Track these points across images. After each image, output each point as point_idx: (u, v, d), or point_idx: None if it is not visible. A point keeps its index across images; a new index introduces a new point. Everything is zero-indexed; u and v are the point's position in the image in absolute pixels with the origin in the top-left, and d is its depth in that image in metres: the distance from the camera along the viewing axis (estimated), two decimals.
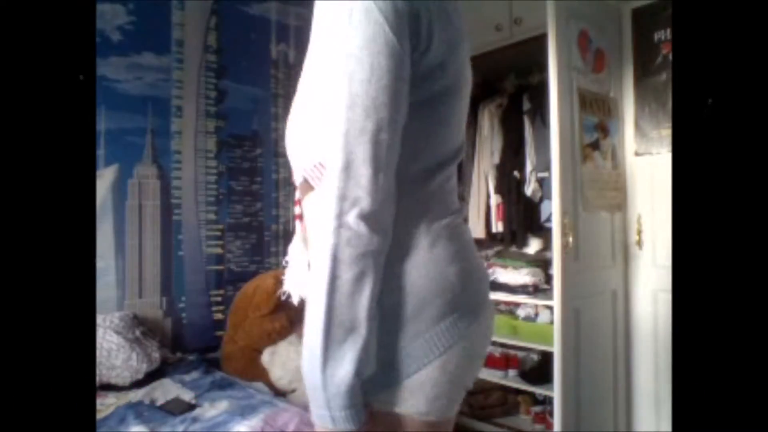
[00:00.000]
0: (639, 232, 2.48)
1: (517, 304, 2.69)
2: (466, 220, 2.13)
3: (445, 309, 0.75)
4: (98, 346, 2.22)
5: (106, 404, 2.02)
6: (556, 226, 2.13)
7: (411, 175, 0.77)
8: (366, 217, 0.68)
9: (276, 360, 2.53)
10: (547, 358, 2.47)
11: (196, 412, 1.92)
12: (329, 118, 0.69)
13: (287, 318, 2.58)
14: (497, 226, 2.79)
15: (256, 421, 1.80)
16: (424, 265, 0.75)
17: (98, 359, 2.18)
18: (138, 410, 1.92)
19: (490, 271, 2.71)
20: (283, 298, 0.94)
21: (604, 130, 2.41)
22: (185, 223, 2.88)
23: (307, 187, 0.79)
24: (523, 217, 2.73)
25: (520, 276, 2.62)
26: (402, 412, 0.75)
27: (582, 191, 2.26)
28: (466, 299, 0.77)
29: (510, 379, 2.68)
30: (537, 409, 2.68)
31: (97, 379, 2.16)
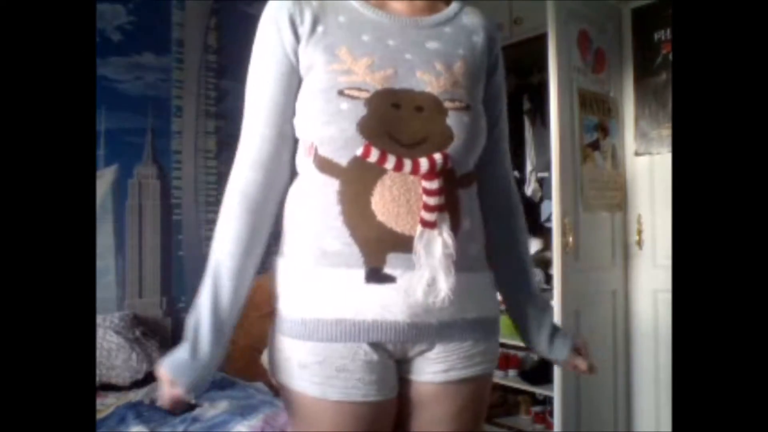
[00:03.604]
0: (639, 232, 2.48)
1: None
2: None
3: None
4: (98, 346, 2.22)
5: (106, 404, 2.01)
6: (556, 226, 2.13)
7: None
8: None
9: None
10: None
11: (196, 412, 1.92)
12: None
13: None
14: None
15: (256, 421, 1.80)
16: None
17: (98, 359, 2.18)
18: (138, 410, 1.92)
19: None
20: None
21: (604, 130, 2.41)
22: (185, 223, 2.88)
23: None
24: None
25: None
26: None
27: (582, 191, 2.26)
28: None
29: (510, 379, 2.67)
30: (537, 409, 2.68)
31: (97, 379, 2.16)
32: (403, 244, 0.81)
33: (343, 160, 0.82)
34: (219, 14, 3.00)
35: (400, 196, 0.81)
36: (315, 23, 0.86)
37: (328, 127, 0.81)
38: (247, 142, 0.89)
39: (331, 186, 0.83)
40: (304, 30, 0.86)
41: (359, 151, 0.81)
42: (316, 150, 0.85)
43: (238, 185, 0.88)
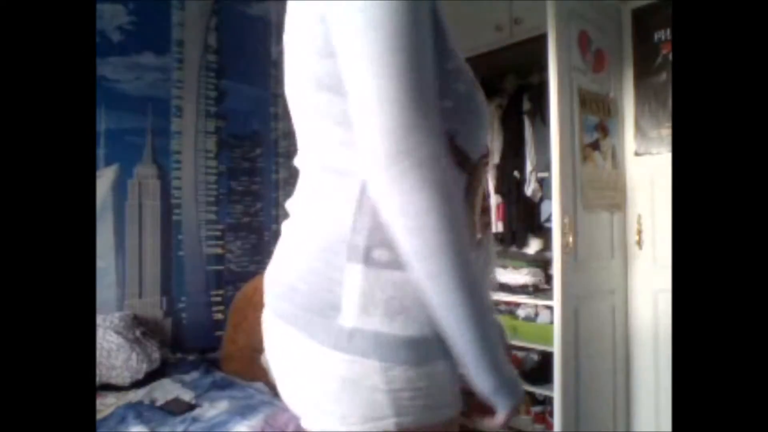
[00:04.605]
0: (639, 232, 2.48)
1: (517, 304, 2.69)
2: None
3: None
4: (98, 346, 2.22)
5: (106, 404, 2.01)
6: (556, 226, 2.13)
7: None
8: None
9: None
10: (547, 358, 2.47)
11: (196, 412, 1.92)
12: None
13: None
14: (497, 226, 2.79)
15: (256, 421, 1.80)
16: None
17: (98, 359, 2.18)
18: (138, 410, 1.92)
19: None
20: None
21: (604, 130, 2.41)
22: (185, 223, 2.88)
23: None
24: (523, 217, 2.73)
25: (520, 276, 2.62)
26: None
27: (582, 191, 2.26)
28: None
29: None
30: (537, 409, 2.68)
31: (97, 379, 2.16)
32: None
33: (474, 155, 0.74)
34: (219, 14, 3.01)
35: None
36: None
37: (473, 117, 0.72)
38: (425, 118, 0.61)
39: (461, 181, 0.72)
40: None
41: (485, 148, 0.77)
42: (451, 139, 0.69)
43: (436, 176, 0.60)
